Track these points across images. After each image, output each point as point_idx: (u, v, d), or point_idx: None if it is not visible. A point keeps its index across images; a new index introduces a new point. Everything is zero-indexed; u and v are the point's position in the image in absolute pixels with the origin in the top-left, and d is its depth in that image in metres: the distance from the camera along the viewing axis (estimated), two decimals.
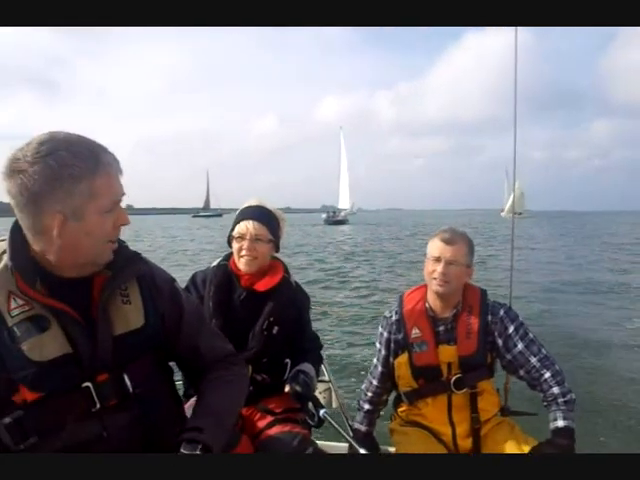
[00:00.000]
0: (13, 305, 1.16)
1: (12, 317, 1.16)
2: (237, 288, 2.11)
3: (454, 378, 2.16)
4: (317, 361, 2.23)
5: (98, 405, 1.22)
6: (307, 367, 2.07)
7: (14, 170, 1.12)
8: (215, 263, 2.19)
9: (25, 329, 1.15)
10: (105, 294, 1.25)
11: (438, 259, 2.14)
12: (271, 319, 2.06)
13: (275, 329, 2.07)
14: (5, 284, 1.17)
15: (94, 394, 1.21)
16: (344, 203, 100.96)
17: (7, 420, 1.14)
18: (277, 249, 2.17)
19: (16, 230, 1.22)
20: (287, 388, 1.96)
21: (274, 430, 1.95)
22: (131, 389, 1.27)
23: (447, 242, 2.15)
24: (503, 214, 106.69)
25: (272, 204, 2.18)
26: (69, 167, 1.12)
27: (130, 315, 1.30)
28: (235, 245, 2.11)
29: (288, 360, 2.14)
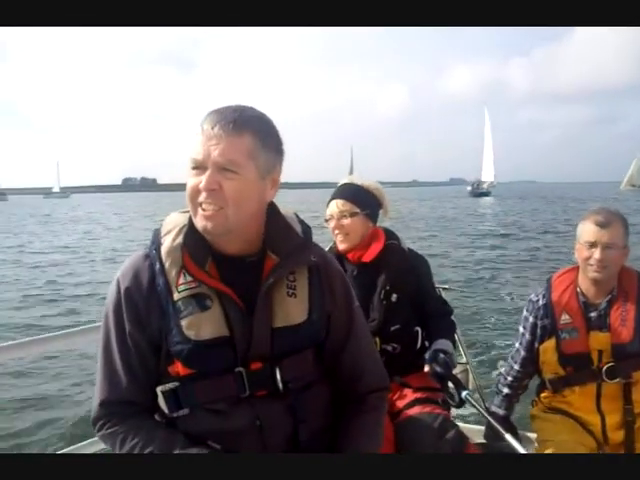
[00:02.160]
0: (182, 280, 1.19)
1: (179, 292, 1.18)
2: (348, 266, 2.13)
3: (606, 366, 2.06)
4: (450, 329, 2.19)
5: (247, 392, 1.22)
6: (444, 344, 2.03)
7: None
8: (327, 248, 2.18)
9: (188, 305, 1.17)
10: (268, 281, 1.23)
11: (594, 244, 2.02)
12: (387, 287, 2.06)
13: (394, 297, 2.06)
14: (179, 260, 1.20)
15: (245, 380, 1.21)
16: (488, 176, 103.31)
17: (166, 387, 1.20)
18: (373, 220, 2.17)
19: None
20: (427, 368, 1.94)
21: (414, 410, 1.91)
22: (280, 384, 1.24)
23: (602, 225, 2.02)
24: (621, 187, 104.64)
25: (364, 179, 2.22)
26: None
27: (292, 309, 1.26)
28: (329, 226, 2.16)
29: (418, 328, 2.13)
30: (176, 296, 1.18)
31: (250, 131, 1.17)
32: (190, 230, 1.22)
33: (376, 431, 1.38)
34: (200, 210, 1.18)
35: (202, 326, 1.17)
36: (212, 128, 1.15)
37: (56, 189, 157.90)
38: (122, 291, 1.21)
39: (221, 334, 1.18)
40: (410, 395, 2.00)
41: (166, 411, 1.21)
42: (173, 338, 1.17)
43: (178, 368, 1.19)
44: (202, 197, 1.16)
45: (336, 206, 2.12)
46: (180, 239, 1.21)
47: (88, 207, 70.89)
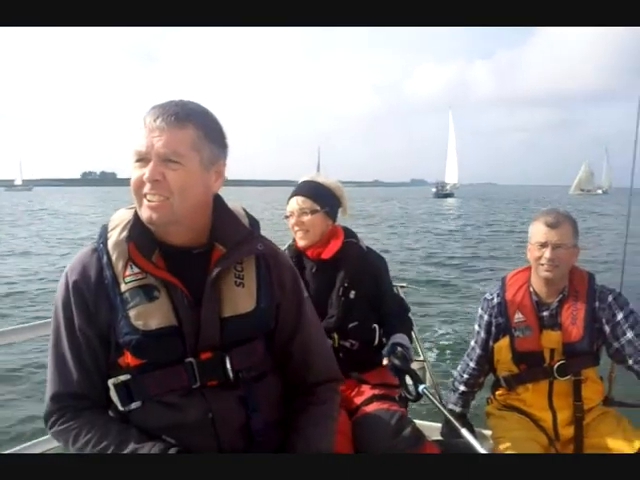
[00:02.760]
0: (128, 272, 1.21)
1: (126, 283, 1.20)
2: (307, 263, 2.18)
3: (557, 364, 2.12)
4: (407, 326, 2.22)
5: (198, 382, 1.22)
6: (401, 338, 2.07)
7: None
8: (286, 245, 2.24)
9: (135, 296, 1.19)
10: (215, 271, 1.24)
11: (544, 244, 2.08)
12: (346, 284, 2.09)
13: (352, 293, 2.09)
14: (125, 252, 1.22)
15: (196, 371, 1.22)
16: (451, 178, 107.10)
17: (117, 380, 1.20)
18: (332, 218, 2.19)
19: None
20: (385, 361, 1.95)
21: (372, 407, 1.93)
22: (231, 373, 1.25)
23: (552, 226, 2.08)
24: (570, 191, 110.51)
25: (325, 177, 2.24)
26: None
27: (240, 298, 1.27)
28: (289, 222, 2.17)
29: (376, 325, 2.14)
30: (123, 287, 1.19)
31: (193, 123, 1.19)
32: (136, 223, 1.23)
33: (326, 423, 1.39)
34: (145, 201, 1.19)
35: (150, 316, 1.18)
36: (154, 121, 1.16)
37: (18, 182, 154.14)
38: (70, 285, 1.22)
39: (169, 324, 1.19)
40: (368, 392, 2.02)
41: (118, 405, 1.21)
42: (122, 329, 1.18)
43: (128, 359, 1.20)
44: (147, 188, 1.17)
45: (296, 203, 2.13)
46: (126, 232, 1.23)
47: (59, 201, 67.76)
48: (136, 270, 1.20)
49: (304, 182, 2.21)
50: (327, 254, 2.12)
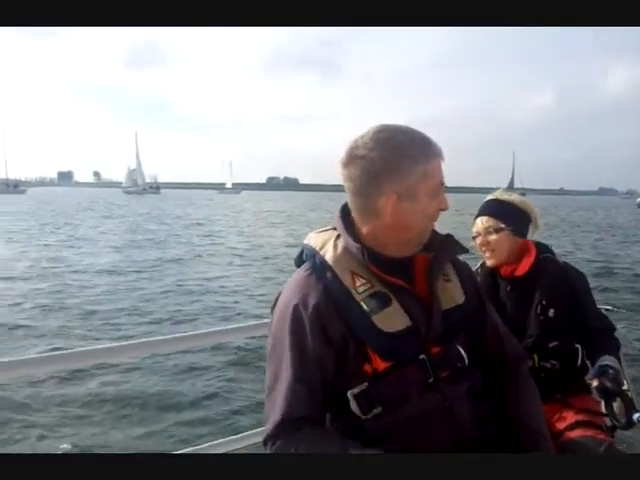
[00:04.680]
0: (358, 283, 1.24)
1: (359, 293, 1.23)
2: (501, 282, 2.12)
3: None
4: (615, 346, 2.00)
5: (432, 377, 1.26)
6: (610, 360, 1.85)
7: (355, 156, 1.24)
8: (478, 264, 2.20)
9: (373, 304, 1.22)
10: (433, 272, 1.32)
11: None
12: (543, 302, 2.00)
13: (551, 312, 1.99)
14: (347, 265, 1.26)
15: (428, 366, 1.25)
16: None
17: (356, 390, 1.21)
18: (520, 234, 2.09)
19: (345, 215, 1.33)
20: (595, 382, 1.74)
21: (576, 433, 1.80)
22: (466, 361, 1.31)
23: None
24: None
25: (509, 195, 2.16)
26: (406, 150, 1.21)
27: (453, 292, 1.35)
28: (476, 243, 2.13)
29: (578, 345, 2.00)
30: (358, 297, 1.23)
31: None
32: (352, 239, 1.28)
33: (538, 400, 1.46)
34: (429, 225, 1.32)
35: (391, 320, 1.22)
36: (441, 153, 1.28)
37: (229, 185, 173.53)
38: (299, 310, 1.23)
39: (407, 324, 1.23)
40: (571, 417, 1.89)
41: (358, 413, 1.22)
42: (369, 336, 1.22)
43: (376, 364, 1.23)
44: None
45: (481, 223, 2.10)
46: (340, 249, 1.29)
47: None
48: (363, 280, 1.25)
49: (487, 201, 2.16)
50: (520, 271, 2.05)
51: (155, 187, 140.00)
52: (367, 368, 1.23)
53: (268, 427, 1.22)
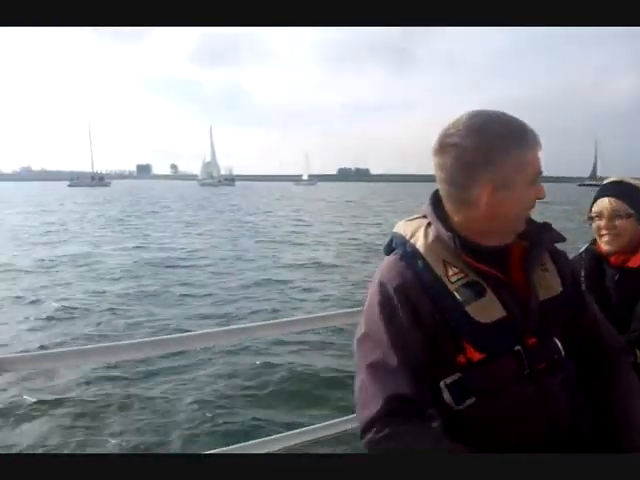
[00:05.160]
0: (451, 272, 1.21)
1: (452, 283, 1.20)
2: (608, 270, 2.00)
3: None
4: None
5: (528, 369, 1.23)
6: None
7: (447, 144, 1.20)
8: (583, 248, 2.10)
9: (467, 293, 1.19)
10: (530, 261, 1.28)
11: None
12: None
13: None
14: (439, 254, 1.23)
15: (524, 357, 1.22)
16: None
17: (449, 380, 1.19)
18: None
19: (436, 203, 1.29)
20: None
21: None
22: (563, 352, 1.28)
23: None
24: None
25: (632, 180, 2.01)
26: (502, 139, 1.17)
27: (550, 281, 1.30)
28: (594, 224, 2.00)
29: None
30: (451, 287, 1.20)
31: None
32: (443, 228, 1.25)
33: None
34: (525, 214, 1.28)
35: (487, 310, 1.20)
36: (538, 140, 1.23)
37: (305, 177, 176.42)
38: (391, 292, 1.22)
39: (502, 315, 1.20)
40: None
41: (452, 403, 1.19)
42: (463, 326, 1.19)
43: (470, 355, 1.20)
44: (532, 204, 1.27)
45: (609, 203, 1.95)
46: (432, 237, 1.26)
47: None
48: (456, 270, 1.22)
49: (615, 183, 2.01)
50: (635, 262, 1.94)
51: (230, 179, 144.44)
52: (460, 358, 1.20)
53: (368, 413, 1.15)
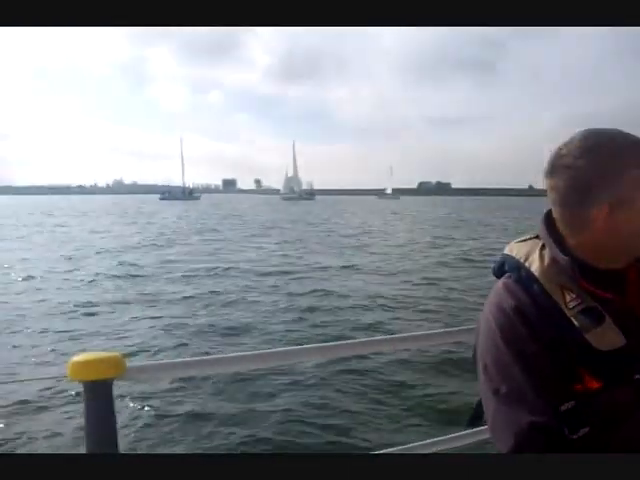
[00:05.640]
0: (568, 298, 1.16)
1: (570, 309, 1.15)
2: None
3: None
4: None
5: None
6: None
7: (560, 166, 1.16)
8: None
9: (585, 320, 1.14)
10: None
11: None
12: None
13: None
14: (556, 278, 1.18)
15: None
16: None
17: (564, 407, 1.13)
18: None
19: (550, 224, 1.24)
20: None
21: None
22: None
23: None
24: None
25: None
26: (617, 156, 1.12)
27: None
28: None
29: None
30: (569, 313, 1.15)
31: None
32: (560, 251, 1.20)
33: None
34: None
35: (605, 337, 1.13)
36: None
37: (388, 191, 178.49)
38: (511, 316, 1.18)
39: (622, 342, 1.13)
40: None
41: (567, 432, 1.13)
42: (580, 354, 1.13)
43: (588, 383, 1.14)
44: None
45: None
46: (547, 261, 1.21)
47: None
48: (573, 295, 1.16)
49: None
50: None
51: (309, 193, 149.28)
52: (577, 386, 1.13)
53: (508, 444, 1.10)
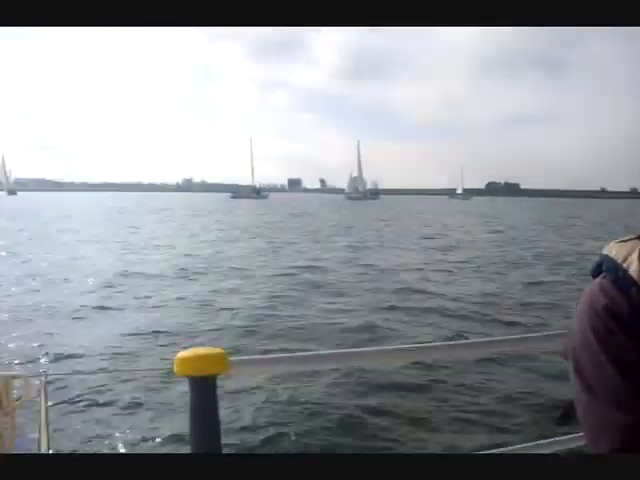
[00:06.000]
0: None
1: None
2: None
3: None
4: None
5: None
6: None
7: None
8: None
9: None
10: None
11: None
12: None
13: None
14: None
15: None
16: None
17: None
18: None
19: None
20: None
21: None
22: None
23: None
24: None
25: None
26: None
27: None
28: None
29: None
30: None
31: None
32: None
33: None
34: None
35: None
36: None
37: (459, 191, 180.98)
38: (602, 315, 1.12)
39: None
40: None
41: None
42: None
43: None
44: None
45: None
46: None
47: None
48: None
49: None
50: None
51: (374, 193, 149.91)
52: None
53: (606, 445, 1.03)
